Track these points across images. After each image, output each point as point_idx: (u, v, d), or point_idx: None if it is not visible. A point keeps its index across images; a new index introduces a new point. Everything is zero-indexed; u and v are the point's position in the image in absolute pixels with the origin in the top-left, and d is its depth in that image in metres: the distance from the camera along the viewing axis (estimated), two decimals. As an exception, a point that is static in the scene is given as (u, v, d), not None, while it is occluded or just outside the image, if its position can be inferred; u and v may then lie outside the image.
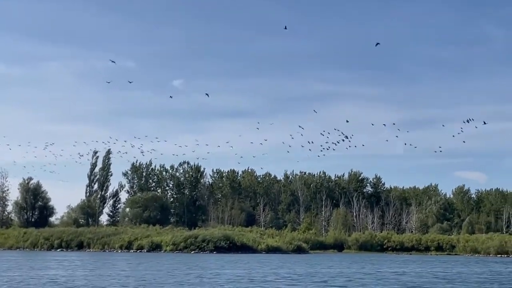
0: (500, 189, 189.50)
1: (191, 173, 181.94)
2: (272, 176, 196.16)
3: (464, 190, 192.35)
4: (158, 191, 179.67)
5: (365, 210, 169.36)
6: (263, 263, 72.29)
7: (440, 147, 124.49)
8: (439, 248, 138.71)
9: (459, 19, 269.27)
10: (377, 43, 66.86)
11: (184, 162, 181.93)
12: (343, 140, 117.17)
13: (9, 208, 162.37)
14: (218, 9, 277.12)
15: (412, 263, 79.91)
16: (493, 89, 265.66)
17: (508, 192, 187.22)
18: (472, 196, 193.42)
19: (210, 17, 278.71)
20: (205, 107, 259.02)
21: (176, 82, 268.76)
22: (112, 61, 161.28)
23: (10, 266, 59.77)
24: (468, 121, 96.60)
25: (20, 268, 55.56)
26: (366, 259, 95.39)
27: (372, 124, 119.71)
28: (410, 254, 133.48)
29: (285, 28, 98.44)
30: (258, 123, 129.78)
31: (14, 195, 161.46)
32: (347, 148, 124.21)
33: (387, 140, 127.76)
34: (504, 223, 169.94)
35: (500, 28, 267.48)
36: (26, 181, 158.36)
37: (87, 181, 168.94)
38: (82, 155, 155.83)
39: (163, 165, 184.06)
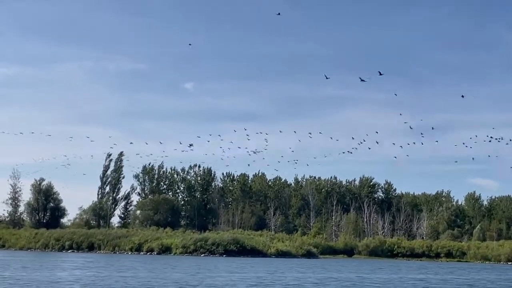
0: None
1: (202, 176, 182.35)
2: (283, 180, 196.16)
3: (475, 197, 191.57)
4: (169, 193, 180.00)
5: (375, 216, 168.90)
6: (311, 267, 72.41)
7: (456, 161, 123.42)
8: (449, 255, 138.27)
9: (470, 24, 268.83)
10: (380, 73, 65.96)
11: (195, 165, 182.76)
12: (359, 145, 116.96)
13: (21, 208, 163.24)
14: (230, 12, 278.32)
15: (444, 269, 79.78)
16: (505, 95, 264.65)
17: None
18: (483, 203, 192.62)
19: (221, 20, 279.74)
20: (216, 109, 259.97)
21: (187, 85, 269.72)
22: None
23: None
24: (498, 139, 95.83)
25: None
26: (393, 265, 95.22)
27: (376, 131, 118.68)
28: (421, 260, 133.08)
29: (278, 14, 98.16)
30: (275, 131, 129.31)
31: (26, 196, 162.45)
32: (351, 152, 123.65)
33: (401, 146, 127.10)
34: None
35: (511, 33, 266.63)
36: (38, 182, 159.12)
37: (99, 183, 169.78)
38: (91, 156, 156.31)
39: (174, 167, 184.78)
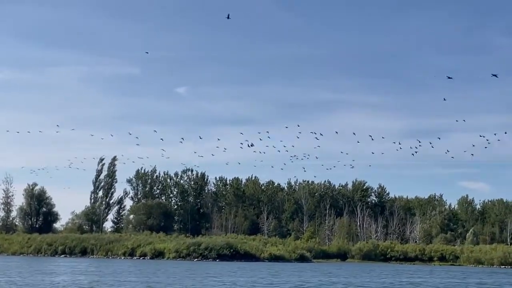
0: (505, 200, 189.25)
1: (195, 180, 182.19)
2: (276, 184, 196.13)
3: (468, 200, 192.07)
4: (163, 198, 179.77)
5: (369, 220, 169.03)
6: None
7: (452, 157, 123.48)
8: (443, 259, 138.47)
9: (464, 29, 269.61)
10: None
11: (188, 170, 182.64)
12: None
13: (14, 213, 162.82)
14: (222, 16, 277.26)
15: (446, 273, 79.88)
16: (498, 99, 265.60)
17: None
18: (476, 206, 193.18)
19: (214, 24, 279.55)
20: (209, 114, 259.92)
21: (180, 89, 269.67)
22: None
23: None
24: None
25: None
26: (402, 269, 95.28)
27: (371, 134, 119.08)
28: (414, 264, 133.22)
29: (228, 17, 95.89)
30: (267, 132, 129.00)
31: (18, 200, 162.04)
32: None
33: (397, 150, 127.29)
34: (508, 234, 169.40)
35: (506, 37, 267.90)
36: (31, 187, 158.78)
37: (92, 188, 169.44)
38: (84, 159, 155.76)
39: (167, 172, 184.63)
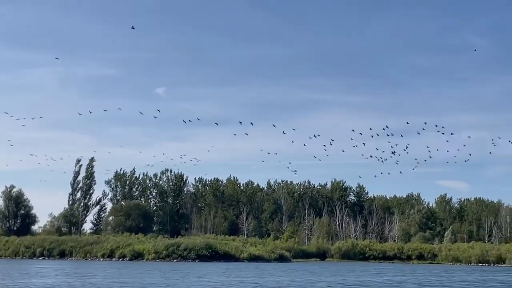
0: (482, 198, 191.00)
1: (174, 181, 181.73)
2: (255, 184, 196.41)
3: (446, 199, 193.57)
4: (142, 199, 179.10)
5: (348, 219, 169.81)
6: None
7: (430, 156, 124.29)
8: (421, 257, 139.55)
9: (443, 28, 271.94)
10: None
11: (167, 170, 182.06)
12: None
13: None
14: (200, 17, 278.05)
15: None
16: (475, 98, 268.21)
17: (490, 201, 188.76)
18: (454, 205, 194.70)
19: (192, 25, 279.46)
20: (187, 114, 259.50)
21: (158, 90, 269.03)
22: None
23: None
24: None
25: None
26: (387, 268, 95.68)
27: (353, 131, 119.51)
28: (392, 262, 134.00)
29: (132, 27, 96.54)
30: (246, 134, 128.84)
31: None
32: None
33: (377, 149, 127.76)
34: (485, 232, 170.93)
35: (483, 37, 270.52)
36: (9, 189, 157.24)
37: (70, 189, 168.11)
38: (62, 160, 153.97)
39: (146, 173, 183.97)
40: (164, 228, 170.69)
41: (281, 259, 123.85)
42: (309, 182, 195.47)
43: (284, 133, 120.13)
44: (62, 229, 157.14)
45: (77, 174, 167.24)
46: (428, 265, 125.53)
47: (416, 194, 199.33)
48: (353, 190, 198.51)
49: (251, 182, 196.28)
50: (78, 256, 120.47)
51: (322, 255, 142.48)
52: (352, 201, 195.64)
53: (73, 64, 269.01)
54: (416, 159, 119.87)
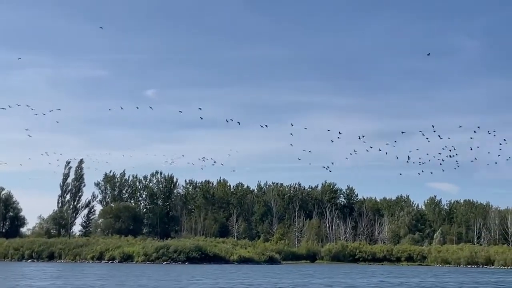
0: (471, 200, 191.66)
1: (164, 183, 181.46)
2: (245, 186, 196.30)
3: (435, 201, 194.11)
4: (131, 201, 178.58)
5: (338, 221, 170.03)
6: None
7: (420, 158, 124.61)
8: (410, 259, 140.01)
9: (431, 31, 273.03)
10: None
11: (157, 172, 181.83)
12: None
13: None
14: (191, 18, 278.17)
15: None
16: (464, 100, 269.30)
17: (479, 203, 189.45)
18: (444, 207, 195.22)
19: (183, 26, 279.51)
20: (178, 116, 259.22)
21: (148, 92, 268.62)
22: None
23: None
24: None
25: None
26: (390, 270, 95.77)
27: (339, 137, 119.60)
28: (382, 264, 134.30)
29: (101, 28, 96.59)
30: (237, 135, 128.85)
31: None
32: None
33: (367, 150, 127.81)
34: (474, 234, 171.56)
35: (472, 39, 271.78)
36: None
37: (59, 191, 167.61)
38: (50, 163, 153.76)
39: (136, 175, 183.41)
40: (154, 230, 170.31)
41: (271, 261, 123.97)
42: (299, 184, 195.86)
43: (269, 135, 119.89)
44: (51, 231, 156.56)
45: (66, 176, 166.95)
46: (417, 267, 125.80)
47: (406, 196, 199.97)
48: (343, 192, 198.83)
49: (241, 184, 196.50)
50: (67, 258, 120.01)
51: (312, 257, 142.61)
52: (342, 203, 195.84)
53: (63, 65, 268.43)
54: (407, 161, 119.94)
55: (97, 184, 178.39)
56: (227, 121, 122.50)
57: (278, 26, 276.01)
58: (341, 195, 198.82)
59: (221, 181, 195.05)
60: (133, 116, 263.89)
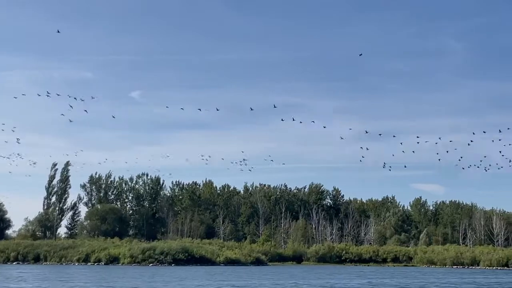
0: (457, 201, 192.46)
1: (150, 185, 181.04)
2: (232, 188, 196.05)
3: (421, 202, 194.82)
4: (118, 203, 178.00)
5: (324, 222, 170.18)
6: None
7: (406, 159, 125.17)
8: (396, 260, 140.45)
9: (419, 33, 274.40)
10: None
11: (143, 174, 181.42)
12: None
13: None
14: (178, 19, 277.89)
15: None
16: (451, 101, 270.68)
17: (464, 204, 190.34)
18: (429, 208, 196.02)
19: (169, 28, 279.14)
20: (164, 118, 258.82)
21: (134, 93, 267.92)
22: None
23: None
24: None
25: None
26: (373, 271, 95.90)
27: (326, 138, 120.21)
28: (368, 265, 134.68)
29: (58, 31, 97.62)
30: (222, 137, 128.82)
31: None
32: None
33: (353, 152, 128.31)
34: (460, 234, 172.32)
35: (459, 41, 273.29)
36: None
37: (45, 193, 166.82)
38: (35, 164, 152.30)
39: (122, 177, 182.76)
40: (140, 232, 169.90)
41: (258, 262, 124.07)
42: (285, 186, 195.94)
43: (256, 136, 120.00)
44: (37, 233, 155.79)
45: (52, 178, 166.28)
46: (403, 267, 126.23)
47: (392, 197, 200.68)
48: (329, 193, 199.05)
49: (228, 185, 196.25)
50: (53, 260, 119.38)
51: (298, 258, 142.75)
52: (328, 204, 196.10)
53: (49, 67, 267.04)
54: (400, 162, 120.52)
55: (83, 186, 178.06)
56: (213, 122, 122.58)
57: (265, 28, 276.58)
58: (327, 196, 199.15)
59: (207, 182, 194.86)
60: (119, 118, 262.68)
